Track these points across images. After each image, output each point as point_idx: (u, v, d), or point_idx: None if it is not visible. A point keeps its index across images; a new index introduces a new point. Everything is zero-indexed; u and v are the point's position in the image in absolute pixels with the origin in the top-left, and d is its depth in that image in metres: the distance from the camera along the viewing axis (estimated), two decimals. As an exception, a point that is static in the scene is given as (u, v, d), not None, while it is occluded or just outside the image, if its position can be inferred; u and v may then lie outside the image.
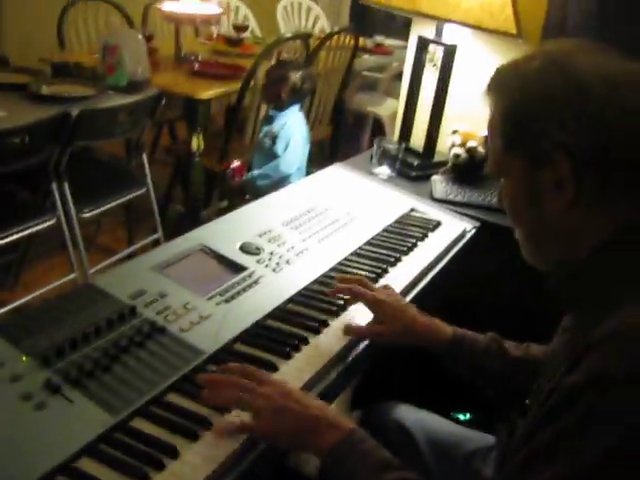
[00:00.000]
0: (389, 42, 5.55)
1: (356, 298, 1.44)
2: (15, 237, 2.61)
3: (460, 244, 1.92)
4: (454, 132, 2.38)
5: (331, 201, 1.94)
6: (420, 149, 2.47)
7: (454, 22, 2.17)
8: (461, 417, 2.08)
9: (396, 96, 5.49)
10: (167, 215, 3.70)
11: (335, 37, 3.98)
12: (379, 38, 5.52)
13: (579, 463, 0.80)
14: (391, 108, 5.21)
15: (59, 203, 2.76)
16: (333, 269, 1.60)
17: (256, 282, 1.47)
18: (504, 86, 1.04)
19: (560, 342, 1.11)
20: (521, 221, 1.08)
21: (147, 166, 3.24)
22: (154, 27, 4.80)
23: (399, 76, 5.33)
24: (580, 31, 2.35)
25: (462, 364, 1.43)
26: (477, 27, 2.17)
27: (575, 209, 0.97)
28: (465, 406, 2.12)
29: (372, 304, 1.41)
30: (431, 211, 2.05)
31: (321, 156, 4.84)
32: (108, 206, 3.01)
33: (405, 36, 2.75)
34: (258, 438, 1.08)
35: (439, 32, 2.32)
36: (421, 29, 2.47)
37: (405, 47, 5.13)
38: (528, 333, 1.45)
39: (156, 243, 3.31)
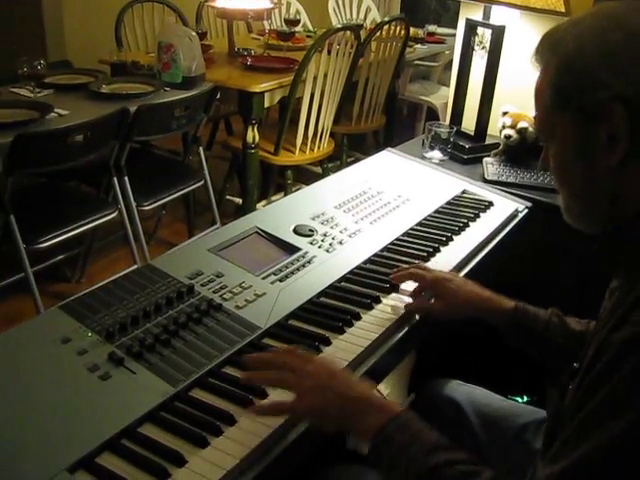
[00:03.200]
0: (441, 31, 5.54)
1: (417, 281, 1.46)
2: (80, 230, 2.71)
3: (512, 224, 1.93)
4: (504, 114, 2.38)
5: (383, 185, 1.97)
6: (471, 132, 2.47)
7: (502, 4, 2.17)
8: (518, 400, 2.09)
9: (449, 85, 5.50)
10: (224, 207, 3.77)
11: (386, 27, 3.99)
12: (431, 27, 5.51)
13: (635, 417, 0.80)
14: (444, 97, 5.21)
15: (120, 197, 2.85)
16: (385, 249, 1.63)
17: (309, 262, 1.51)
18: (558, 43, 1.02)
19: (608, 304, 1.11)
20: (569, 180, 1.07)
21: (204, 159, 3.31)
22: (207, 24, 4.89)
23: (452, 64, 5.35)
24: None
25: (523, 338, 1.44)
26: (525, 7, 2.17)
27: (627, 166, 0.97)
28: (523, 389, 2.13)
29: (433, 283, 1.44)
30: (483, 192, 2.06)
31: (375, 145, 4.86)
32: (167, 199, 3.09)
33: (456, 24, 2.76)
34: (302, 417, 1.10)
35: (487, 14, 2.33)
36: (469, 13, 2.48)
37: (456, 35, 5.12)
38: (582, 312, 1.46)
39: (215, 235, 3.38)
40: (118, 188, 2.84)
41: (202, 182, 3.26)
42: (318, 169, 4.07)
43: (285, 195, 3.65)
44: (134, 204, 2.89)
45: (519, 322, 1.42)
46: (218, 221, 3.42)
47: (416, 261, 1.57)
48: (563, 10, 2.17)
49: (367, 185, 1.95)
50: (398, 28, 4.12)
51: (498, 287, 1.61)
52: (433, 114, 5.36)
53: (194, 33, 3.19)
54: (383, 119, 4.44)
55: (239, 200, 3.76)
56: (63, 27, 4.60)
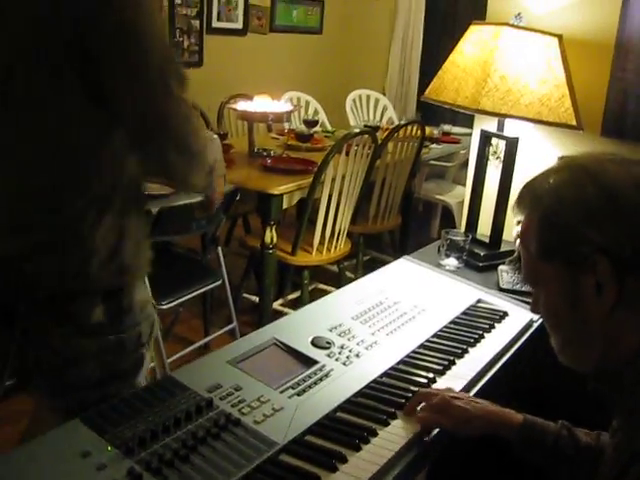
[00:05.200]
0: (455, 130, 5.68)
1: (426, 401, 1.46)
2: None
3: (527, 334, 1.95)
4: (519, 222, 2.42)
5: (400, 294, 2.00)
6: (486, 239, 2.52)
7: (515, 117, 2.24)
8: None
9: (464, 183, 5.59)
10: (240, 304, 3.80)
11: (402, 129, 4.11)
12: (446, 127, 5.65)
13: None
14: (460, 195, 5.29)
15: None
16: (401, 362, 1.65)
17: (327, 375, 1.52)
18: (538, 198, 1.10)
19: (610, 445, 1.13)
20: (561, 327, 1.12)
21: (222, 259, 3.36)
22: (228, 123, 5.04)
23: (467, 163, 5.45)
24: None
25: (534, 451, 1.44)
26: (538, 121, 2.24)
27: (616, 311, 1.01)
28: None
29: (442, 403, 1.43)
30: (498, 301, 2.09)
31: (391, 244, 4.92)
32: (185, 298, 3.13)
33: (471, 123, 2.85)
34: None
35: (501, 126, 2.41)
36: (484, 122, 2.56)
37: (471, 134, 5.24)
38: (597, 422, 1.46)
39: (231, 333, 3.41)
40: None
41: (220, 281, 3.31)
42: (334, 268, 4.12)
43: (302, 295, 3.69)
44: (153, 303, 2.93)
45: (528, 436, 1.42)
46: (234, 319, 3.46)
47: (432, 375, 1.59)
48: (574, 124, 2.25)
49: (384, 295, 1.98)
50: (414, 129, 4.24)
51: (513, 397, 1.61)
52: (448, 212, 5.43)
53: (215, 136, 3.28)
54: (399, 219, 4.51)
55: (256, 298, 3.80)
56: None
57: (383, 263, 4.44)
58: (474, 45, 2.32)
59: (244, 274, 3.97)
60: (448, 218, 5.53)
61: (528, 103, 2.20)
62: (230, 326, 3.43)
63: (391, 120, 6.21)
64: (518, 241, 2.34)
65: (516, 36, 2.24)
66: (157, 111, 1.47)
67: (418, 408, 1.44)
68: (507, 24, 2.28)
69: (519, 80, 2.20)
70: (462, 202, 5.16)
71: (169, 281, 3.14)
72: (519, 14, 2.33)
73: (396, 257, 4.40)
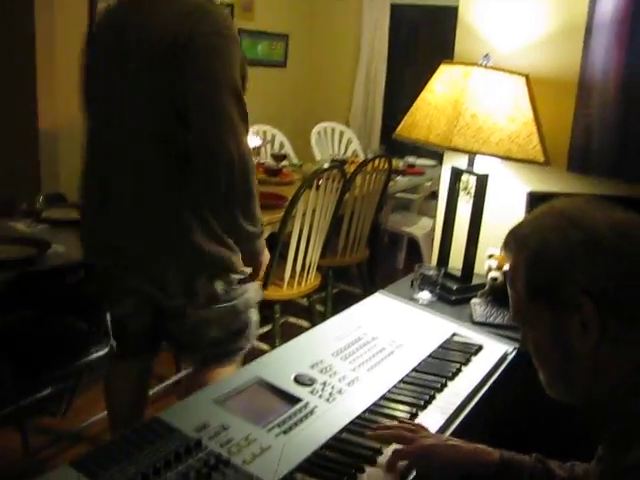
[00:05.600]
0: (420, 162, 5.75)
1: (401, 443, 1.46)
2: (72, 368, 2.72)
3: (502, 366, 1.99)
4: (490, 256, 2.48)
5: (377, 329, 2.04)
6: (458, 272, 2.57)
7: (487, 154, 2.31)
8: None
9: (430, 215, 5.68)
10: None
11: (370, 162, 4.17)
12: (410, 159, 5.72)
13: None
14: (426, 227, 5.38)
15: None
16: (383, 397, 1.67)
17: (311, 412, 1.54)
18: (524, 242, 1.17)
19: (595, 474, 1.17)
20: (549, 363, 1.18)
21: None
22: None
23: (432, 194, 5.53)
24: (603, 157, 2.48)
25: None
26: (508, 158, 2.31)
27: (600, 347, 1.07)
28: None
29: (418, 449, 1.44)
30: (472, 335, 2.13)
31: (359, 276, 4.95)
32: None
33: (435, 155, 2.91)
34: None
35: (471, 162, 2.47)
36: (454, 158, 2.62)
37: (435, 166, 5.32)
38: (572, 451, 1.50)
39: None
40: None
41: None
42: (304, 301, 4.13)
43: (273, 328, 3.70)
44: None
45: (506, 473, 1.45)
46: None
47: (414, 410, 1.62)
48: (542, 160, 2.32)
49: (362, 330, 2.01)
50: (382, 162, 4.30)
51: (490, 428, 1.65)
52: (414, 244, 5.50)
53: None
54: (367, 251, 4.55)
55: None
56: (58, 160, 4.74)
57: (352, 295, 4.53)
58: (445, 84, 2.39)
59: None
60: (414, 249, 5.60)
61: (498, 140, 2.27)
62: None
63: (356, 152, 6.29)
64: (492, 274, 2.39)
65: (485, 76, 2.31)
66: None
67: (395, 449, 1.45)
68: (476, 64, 2.35)
69: (489, 118, 2.27)
70: (428, 233, 5.26)
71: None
72: (487, 55, 2.40)
73: (365, 289, 4.49)
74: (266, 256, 2.30)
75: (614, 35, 2.43)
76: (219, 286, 2.27)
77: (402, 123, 2.48)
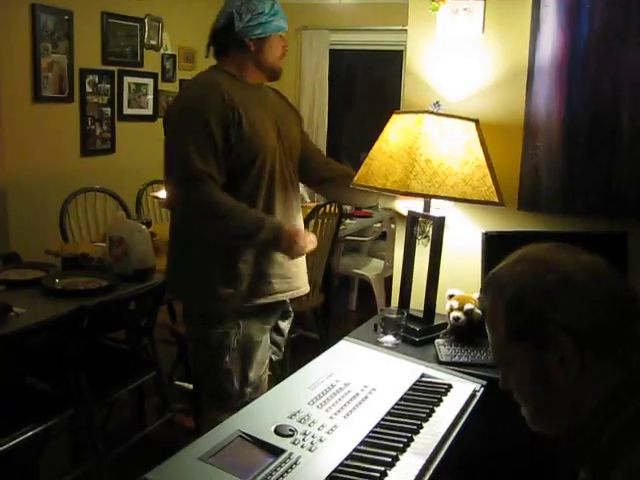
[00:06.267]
0: (368, 204, 5.81)
1: None
2: (35, 431, 2.68)
3: (472, 404, 2.04)
4: (451, 296, 2.54)
5: (348, 376, 2.07)
6: (419, 313, 2.61)
7: (443, 198, 2.38)
8: None
9: (379, 256, 5.76)
10: (172, 391, 3.77)
11: (322, 208, 4.24)
12: (356, 201, 5.77)
13: None
14: (376, 269, 5.44)
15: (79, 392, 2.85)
16: (363, 443, 1.70)
17: (295, 463, 1.56)
18: (501, 288, 1.25)
19: None
20: (531, 399, 1.25)
21: (154, 349, 3.35)
22: (147, 211, 5.07)
23: (381, 235, 5.60)
24: (551, 195, 2.58)
25: None
26: (464, 200, 2.38)
27: (579, 379, 1.14)
28: None
29: None
30: (440, 375, 2.18)
31: (314, 319, 4.98)
32: (123, 390, 3.10)
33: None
34: None
35: (427, 206, 2.54)
36: (409, 202, 2.68)
37: (383, 209, 5.36)
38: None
39: (169, 423, 3.38)
40: (74, 385, 2.85)
41: (155, 372, 3.29)
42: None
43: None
44: (91, 400, 2.89)
45: None
46: (171, 408, 3.43)
47: (393, 453, 1.65)
48: (497, 200, 2.39)
49: (334, 378, 2.04)
50: (333, 207, 4.37)
51: (464, 464, 1.69)
52: (365, 285, 5.55)
53: (144, 226, 3.33)
54: (322, 296, 4.59)
55: (189, 385, 3.78)
56: (7, 218, 4.69)
57: (309, 340, 4.54)
58: (398, 133, 2.46)
59: (175, 361, 3.95)
60: (365, 290, 5.66)
61: (453, 184, 2.34)
62: (167, 416, 3.40)
63: (302, 197, 6.33)
64: (454, 314, 2.45)
65: (438, 122, 2.39)
66: None
67: None
68: (427, 111, 2.43)
69: (443, 163, 2.34)
70: (380, 275, 5.33)
71: (106, 376, 3.11)
72: (437, 102, 2.49)
73: (321, 333, 4.52)
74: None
75: (554, 80, 2.56)
76: None
77: (358, 173, 2.55)
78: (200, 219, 2.47)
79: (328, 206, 4.33)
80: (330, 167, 2.87)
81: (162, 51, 6.64)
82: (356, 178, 2.55)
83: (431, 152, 2.35)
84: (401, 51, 7.49)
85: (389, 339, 2.47)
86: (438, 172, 2.34)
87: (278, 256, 2.53)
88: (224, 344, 2.51)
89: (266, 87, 2.70)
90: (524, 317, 1.19)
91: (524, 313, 1.19)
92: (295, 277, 2.63)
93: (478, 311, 2.46)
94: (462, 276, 2.65)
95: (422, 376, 2.16)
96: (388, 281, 5.45)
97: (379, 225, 5.73)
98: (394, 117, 2.52)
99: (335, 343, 2.36)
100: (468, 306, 2.47)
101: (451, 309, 2.51)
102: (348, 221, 5.28)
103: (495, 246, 2.47)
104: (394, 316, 2.49)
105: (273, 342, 2.77)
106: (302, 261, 2.68)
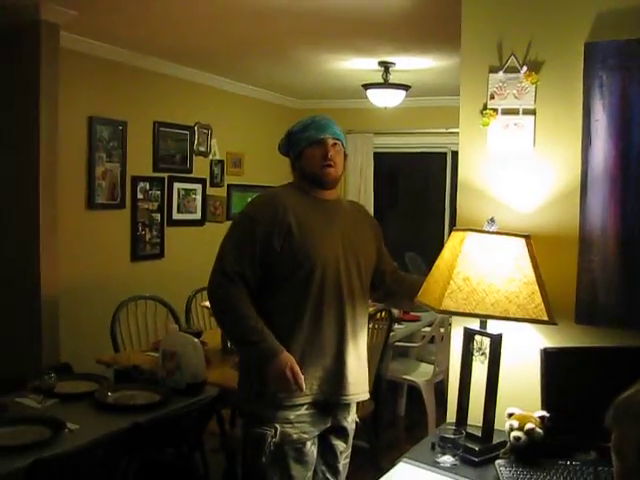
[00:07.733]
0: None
1: None
2: None
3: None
4: (510, 415, 2.48)
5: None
6: (476, 430, 2.54)
7: (480, 316, 2.41)
8: None
9: (428, 360, 5.67)
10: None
11: (377, 314, 4.24)
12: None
13: None
14: (426, 374, 5.36)
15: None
16: None
17: None
18: (636, 413, 1.20)
19: None
20: None
21: (207, 463, 3.31)
22: (196, 319, 5.09)
23: (430, 340, 5.53)
24: (609, 309, 2.54)
25: None
26: (505, 318, 2.36)
27: None
28: None
29: None
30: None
31: (363, 427, 4.88)
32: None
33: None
34: None
35: (483, 323, 2.51)
36: (464, 318, 2.65)
37: (428, 310, 5.32)
38: None
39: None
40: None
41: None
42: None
43: None
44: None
45: None
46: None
47: None
48: (546, 319, 2.36)
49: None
50: (384, 314, 4.36)
51: None
52: (414, 390, 5.46)
53: (197, 340, 3.34)
54: (372, 405, 4.52)
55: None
56: (58, 326, 4.74)
57: (359, 449, 4.44)
58: (448, 250, 2.49)
59: (225, 473, 3.90)
60: (413, 395, 5.56)
61: (494, 302, 2.33)
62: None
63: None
64: (515, 434, 2.38)
65: (480, 240, 2.42)
66: None
67: None
68: (479, 230, 2.45)
69: (484, 280, 2.35)
70: (430, 380, 5.24)
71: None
72: (492, 218, 2.49)
73: (371, 443, 4.42)
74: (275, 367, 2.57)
75: (608, 192, 2.55)
76: None
77: (421, 288, 2.59)
78: (215, 311, 2.70)
79: (379, 313, 4.32)
80: (397, 279, 3.02)
81: (211, 157, 6.83)
82: (419, 294, 2.57)
83: (469, 270, 2.37)
84: (443, 153, 7.62)
85: (447, 459, 2.41)
86: (477, 290, 2.34)
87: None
88: None
89: (344, 201, 3.00)
90: None
91: None
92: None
93: (539, 431, 2.39)
94: (520, 392, 2.58)
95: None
96: (438, 385, 5.37)
97: (428, 329, 5.67)
98: (453, 234, 2.55)
99: (385, 452, 2.31)
100: (529, 426, 2.40)
101: (511, 429, 2.44)
102: (397, 325, 5.23)
103: (554, 362, 2.43)
104: (453, 436, 2.43)
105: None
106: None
